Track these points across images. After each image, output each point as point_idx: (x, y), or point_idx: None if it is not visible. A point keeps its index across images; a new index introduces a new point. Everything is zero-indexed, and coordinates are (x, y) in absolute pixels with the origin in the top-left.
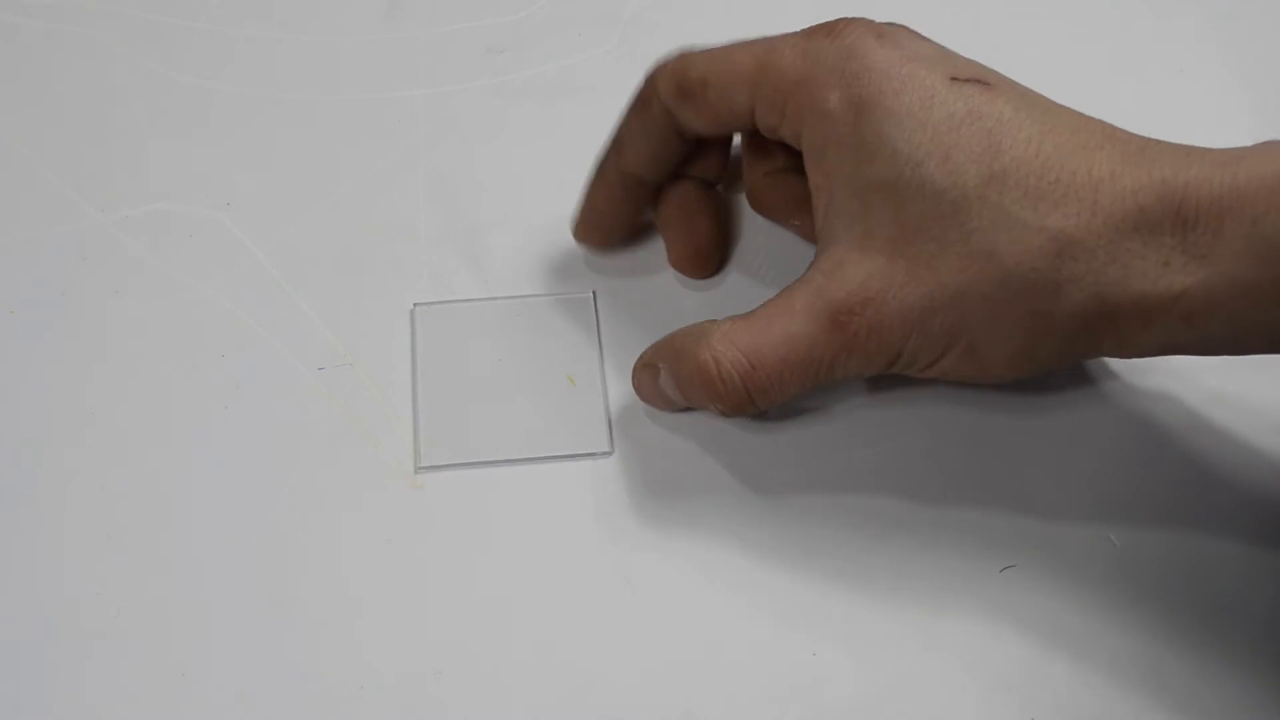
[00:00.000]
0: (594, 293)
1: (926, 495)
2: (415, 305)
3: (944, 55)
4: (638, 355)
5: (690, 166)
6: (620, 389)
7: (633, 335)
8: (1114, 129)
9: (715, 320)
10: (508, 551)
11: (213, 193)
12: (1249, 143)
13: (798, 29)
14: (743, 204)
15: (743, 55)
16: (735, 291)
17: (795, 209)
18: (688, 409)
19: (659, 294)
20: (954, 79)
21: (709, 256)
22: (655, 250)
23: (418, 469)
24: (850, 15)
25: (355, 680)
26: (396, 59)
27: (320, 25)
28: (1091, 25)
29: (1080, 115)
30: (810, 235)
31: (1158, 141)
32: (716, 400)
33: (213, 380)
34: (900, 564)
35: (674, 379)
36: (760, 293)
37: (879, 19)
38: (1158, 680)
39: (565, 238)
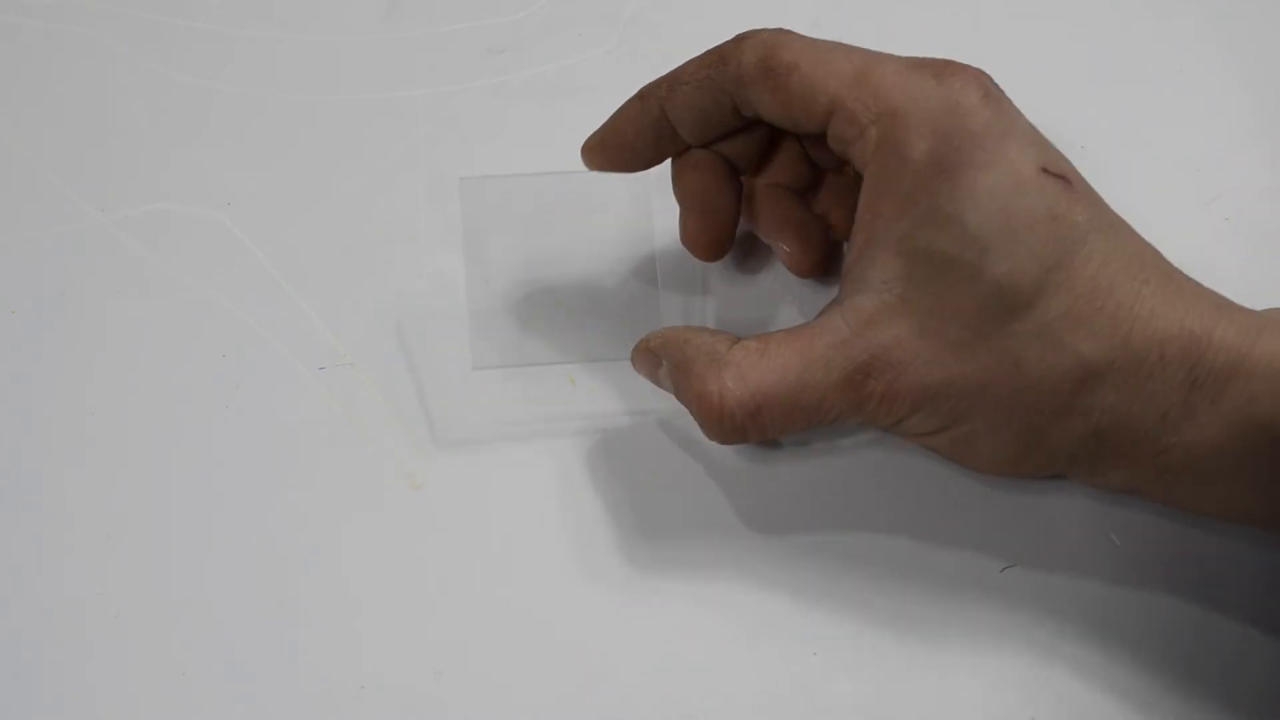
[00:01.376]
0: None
1: (927, 496)
2: (461, 179)
3: (1039, 137)
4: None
5: (731, 146)
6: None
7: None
8: (1161, 259)
9: (730, 341)
10: (508, 551)
11: (213, 193)
12: (1246, 143)
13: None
14: None
15: (842, 58)
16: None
17: (785, 233)
18: None
19: None
20: (1044, 170)
21: (723, 245)
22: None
23: (474, 367)
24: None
25: (355, 680)
26: (396, 59)
27: (320, 25)
28: (1091, 25)
29: (1134, 234)
30: (794, 265)
31: (1197, 285)
32: (712, 430)
33: (213, 380)
34: (900, 564)
35: (674, 385)
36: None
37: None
38: (1158, 680)
39: None
